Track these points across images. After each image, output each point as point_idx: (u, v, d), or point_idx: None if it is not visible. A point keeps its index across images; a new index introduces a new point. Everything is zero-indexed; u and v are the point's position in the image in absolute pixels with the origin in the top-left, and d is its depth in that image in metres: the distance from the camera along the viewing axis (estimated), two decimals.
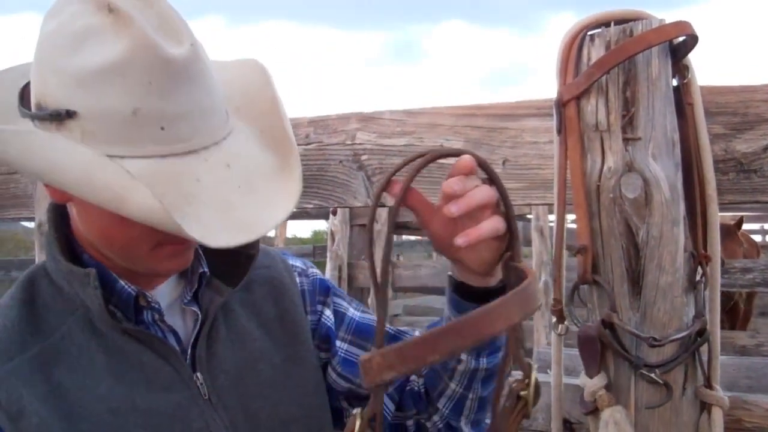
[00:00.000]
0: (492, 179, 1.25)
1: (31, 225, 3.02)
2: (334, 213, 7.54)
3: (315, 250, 12.35)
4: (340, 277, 7.51)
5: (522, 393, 1.17)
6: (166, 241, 1.22)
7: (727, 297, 7.80)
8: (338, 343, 1.52)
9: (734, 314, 8.58)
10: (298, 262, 1.58)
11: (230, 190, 1.15)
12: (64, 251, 1.30)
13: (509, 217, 1.26)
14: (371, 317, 1.56)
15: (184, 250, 1.28)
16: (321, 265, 10.10)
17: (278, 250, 1.60)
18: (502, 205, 1.24)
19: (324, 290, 1.56)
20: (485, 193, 1.22)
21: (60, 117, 1.12)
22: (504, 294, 1.07)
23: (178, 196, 1.10)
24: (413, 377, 1.55)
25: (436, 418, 1.52)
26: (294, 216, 13.34)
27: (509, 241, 1.25)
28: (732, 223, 8.34)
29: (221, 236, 1.12)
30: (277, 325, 1.45)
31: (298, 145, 2.06)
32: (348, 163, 2.02)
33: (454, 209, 1.20)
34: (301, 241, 18.18)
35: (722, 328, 8.20)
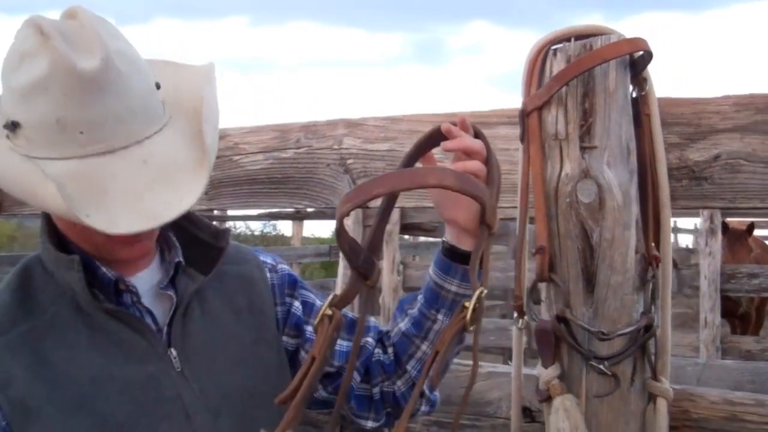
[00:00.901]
0: (479, 136, 1.54)
1: None
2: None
3: (331, 249, 12.48)
4: None
5: (466, 303, 1.32)
6: None
7: (734, 303, 7.86)
8: (309, 328, 1.65)
9: (746, 320, 8.63)
10: (268, 259, 1.71)
11: (144, 184, 1.30)
12: (53, 242, 1.45)
13: (491, 166, 1.52)
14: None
15: (136, 241, 1.41)
16: (336, 265, 10.22)
17: (251, 247, 1.76)
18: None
19: (292, 284, 1.70)
20: (475, 141, 1.51)
21: (11, 127, 1.32)
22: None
23: (90, 190, 1.26)
24: (377, 350, 1.66)
25: (400, 382, 1.64)
26: (310, 216, 13.48)
27: (489, 190, 1.45)
28: (743, 228, 8.39)
29: (122, 224, 1.26)
30: (246, 312, 1.59)
31: (290, 149, 2.20)
32: (335, 167, 2.14)
33: (450, 145, 1.49)
34: (319, 240, 18.32)
35: (733, 332, 8.26)
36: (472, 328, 1.35)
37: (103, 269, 1.44)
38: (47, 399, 1.35)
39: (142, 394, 1.40)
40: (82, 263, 1.41)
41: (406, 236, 12.69)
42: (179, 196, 1.32)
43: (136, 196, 1.29)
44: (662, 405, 1.58)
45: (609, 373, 1.57)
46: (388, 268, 8.03)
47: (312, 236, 20.35)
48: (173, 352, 1.46)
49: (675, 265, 1.85)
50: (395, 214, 8.76)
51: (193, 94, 1.45)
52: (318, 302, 1.69)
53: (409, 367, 1.64)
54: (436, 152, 1.60)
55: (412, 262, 9.44)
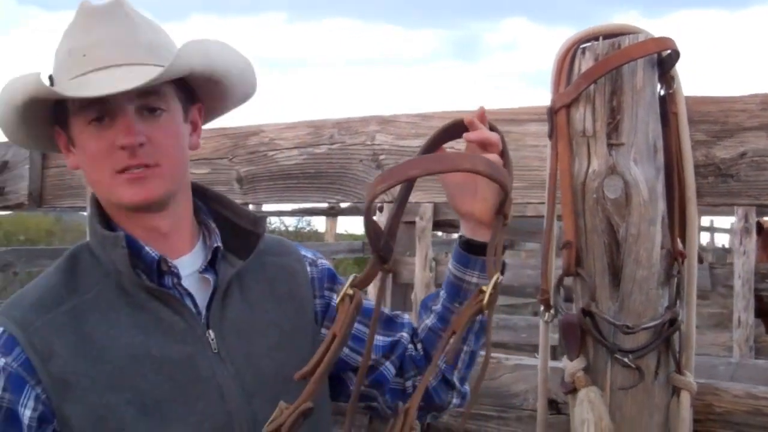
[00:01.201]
0: (494, 130, 1.60)
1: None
2: (381, 210, 7.69)
3: (364, 245, 12.53)
4: None
5: (483, 288, 1.38)
6: (118, 166, 1.47)
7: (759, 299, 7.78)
8: None
9: None
10: (309, 254, 1.76)
11: (106, 78, 1.46)
12: (102, 224, 1.54)
13: (506, 159, 1.58)
14: (370, 301, 1.73)
15: (140, 179, 1.48)
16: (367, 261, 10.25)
17: (292, 242, 1.81)
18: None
19: (331, 278, 1.75)
20: (493, 134, 1.58)
21: (50, 81, 1.51)
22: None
23: (73, 83, 1.46)
24: (410, 345, 1.71)
25: (430, 378, 1.67)
26: (344, 212, 13.58)
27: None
28: None
29: (75, 91, 1.44)
30: (285, 301, 1.64)
31: (324, 145, 2.25)
32: (367, 162, 2.19)
33: (472, 136, 1.57)
34: (352, 237, 18.37)
35: None
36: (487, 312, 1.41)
37: (147, 249, 1.51)
38: (86, 374, 1.41)
39: (179, 373, 1.46)
40: (127, 243, 1.48)
41: (439, 233, 12.73)
42: (141, 70, 1.47)
43: (94, 81, 1.46)
44: (686, 398, 1.61)
45: (633, 366, 1.60)
46: (421, 264, 8.07)
47: (345, 232, 20.41)
48: (211, 334, 1.52)
49: (701, 260, 1.87)
50: (428, 211, 8.81)
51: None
52: (366, 302, 1.73)
53: (438, 361, 1.67)
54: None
55: (444, 259, 9.45)
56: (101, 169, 1.48)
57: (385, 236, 1.55)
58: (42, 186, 3.06)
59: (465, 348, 1.68)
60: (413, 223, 9.01)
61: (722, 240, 21.62)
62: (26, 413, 1.40)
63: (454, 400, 1.72)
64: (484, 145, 1.56)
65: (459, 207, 1.63)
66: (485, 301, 1.39)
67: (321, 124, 2.29)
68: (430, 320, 1.70)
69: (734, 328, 7.56)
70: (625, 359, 1.60)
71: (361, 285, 1.53)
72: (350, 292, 1.50)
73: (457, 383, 1.69)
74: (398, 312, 1.78)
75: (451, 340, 1.39)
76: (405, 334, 1.73)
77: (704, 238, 21.88)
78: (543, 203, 1.82)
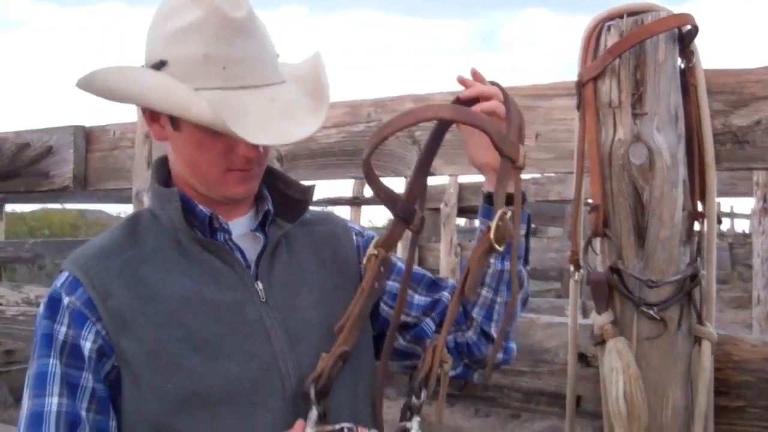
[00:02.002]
0: (495, 84, 1.69)
1: (113, 212, 3.37)
2: None
3: None
4: None
5: (490, 224, 1.53)
6: (232, 167, 1.57)
7: None
8: (389, 283, 1.81)
9: None
10: (356, 226, 1.90)
11: (271, 116, 1.52)
12: (159, 182, 1.68)
13: (508, 105, 1.66)
14: (418, 268, 1.86)
15: (249, 177, 1.61)
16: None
17: (341, 217, 1.94)
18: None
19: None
20: (490, 87, 1.68)
21: (158, 65, 1.54)
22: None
23: (230, 111, 1.48)
24: (448, 299, 1.81)
25: (470, 332, 1.77)
26: (368, 202, 13.69)
27: (508, 129, 1.62)
28: None
29: (259, 138, 1.48)
30: (330, 263, 1.75)
31: (361, 123, 2.38)
32: (404, 138, 2.33)
33: (466, 93, 1.68)
34: (377, 228, 18.57)
35: None
36: (500, 249, 1.54)
37: (200, 207, 1.63)
38: (141, 312, 1.53)
39: (227, 315, 1.57)
40: (182, 202, 1.61)
41: (464, 220, 12.84)
42: (301, 126, 1.54)
43: (267, 121, 1.51)
44: (707, 347, 1.74)
45: (658, 318, 1.73)
46: (446, 250, 8.21)
47: (369, 222, 20.59)
48: (259, 284, 1.63)
49: (719, 221, 1.97)
50: (452, 198, 8.94)
51: (306, 67, 1.67)
52: (399, 263, 1.84)
53: (474, 314, 1.77)
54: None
55: (469, 245, 9.60)
56: (213, 164, 1.58)
57: (402, 199, 1.67)
58: (86, 169, 3.22)
59: (498, 299, 1.76)
60: (438, 209, 9.16)
61: (743, 226, 21.65)
62: (87, 345, 1.51)
63: (499, 355, 1.77)
64: (485, 99, 1.67)
65: (474, 161, 1.76)
66: (492, 236, 1.52)
67: (358, 104, 2.42)
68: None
69: (753, 306, 7.67)
70: (650, 312, 1.73)
71: (384, 245, 1.67)
72: (374, 252, 1.66)
73: (494, 335, 1.76)
74: (444, 277, 1.90)
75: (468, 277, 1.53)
76: (446, 294, 1.83)
77: (724, 224, 21.91)
78: (571, 172, 1.95)
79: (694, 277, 1.75)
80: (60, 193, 3.40)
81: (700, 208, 1.80)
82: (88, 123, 3.27)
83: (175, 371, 1.52)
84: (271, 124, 1.51)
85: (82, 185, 3.19)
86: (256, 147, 1.57)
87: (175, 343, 1.53)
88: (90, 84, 1.58)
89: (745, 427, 1.85)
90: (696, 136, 1.80)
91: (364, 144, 2.39)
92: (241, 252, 1.66)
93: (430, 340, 1.66)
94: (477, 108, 1.66)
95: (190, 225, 1.62)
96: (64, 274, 1.59)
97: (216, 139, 1.54)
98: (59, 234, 19.61)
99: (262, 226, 1.70)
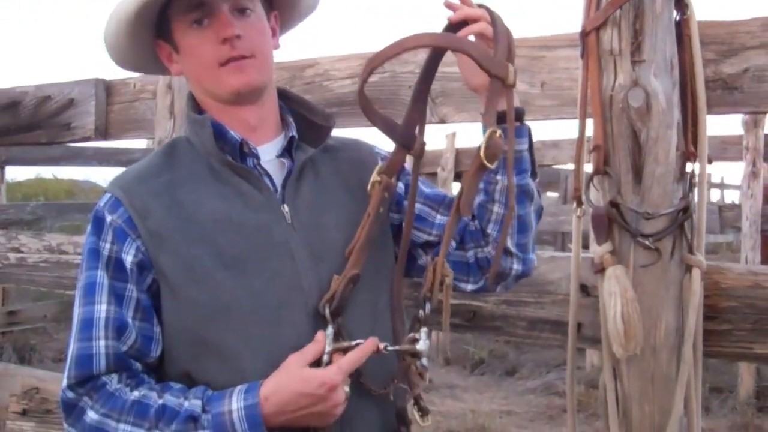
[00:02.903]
0: (483, 6, 1.76)
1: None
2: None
3: None
4: None
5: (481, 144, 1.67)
6: (223, 58, 1.72)
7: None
8: (417, 206, 1.91)
9: None
10: (383, 151, 2.01)
11: None
12: (194, 111, 1.83)
13: (495, 26, 1.73)
14: (438, 189, 2.00)
15: (243, 67, 1.74)
16: None
17: (368, 143, 2.05)
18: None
19: (399, 170, 1.93)
20: (477, 9, 1.75)
21: None
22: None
23: None
24: (471, 222, 1.90)
25: (488, 248, 1.88)
26: None
27: (495, 50, 1.71)
28: None
29: None
30: (355, 188, 1.87)
31: (375, 74, 2.51)
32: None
33: (454, 17, 1.75)
34: None
35: None
36: (492, 166, 1.69)
37: (232, 133, 1.77)
38: (176, 230, 1.69)
39: (255, 236, 1.72)
40: (215, 128, 1.76)
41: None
42: None
43: None
44: (696, 274, 1.91)
45: (653, 247, 1.89)
46: None
47: None
48: (285, 207, 1.76)
49: (710, 161, 2.10)
50: (449, 162, 9.09)
51: None
52: (420, 187, 1.93)
53: (489, 230, 1.86)
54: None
55: None
56: (205, 64, 1.73)
57: (401, 126, 1.81)
58: (107, 120, 3.36)
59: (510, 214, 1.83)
60: (435, 174, 9.30)
61: (732, 197, 21.85)
62: (128, 259, 1.68)
63: (515, 266, 1.88)
64: (472, 22, 1.74)
65: (469, 84, 1.85)
66: (482, 154, 1.66)
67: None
68: (478, 198, 1.86)
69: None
70: (646, 242, 1.89)
71: (387, 171, 1.80)
72: (377, 178, 1.80)
73: (514, 249, 1.86)
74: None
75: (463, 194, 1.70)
76: None
77: (714, 195, 22.13)
78: (575, 118, 2.10)
79: (686, 211, 1.91)
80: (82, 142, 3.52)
81: (692, 149, 1.96)
82: (108, 76, 3.41)
83: (207, 285, 1.67)
84: None
85: (104, 135, 3.33)
86: (228, 26, 1.71)
87: (208, 260, 1.68)
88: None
89: (731, 348, 2.02)
90: (689, 82, 1.96)
91: (378, 94, 2.54)
92: (269, 176, 1.79)
93: (433, 259, 1.79)
94: (464, 31, 1.74)
95: (221, 150, 1.75)
96: (107, 195, 1.74)
97: (201, 37, 1.72)
98: (55, 200, 19.67)
99: (288, 152, 1.83)
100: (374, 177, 1.80)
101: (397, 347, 1.73)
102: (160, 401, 1.64)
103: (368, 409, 1.77)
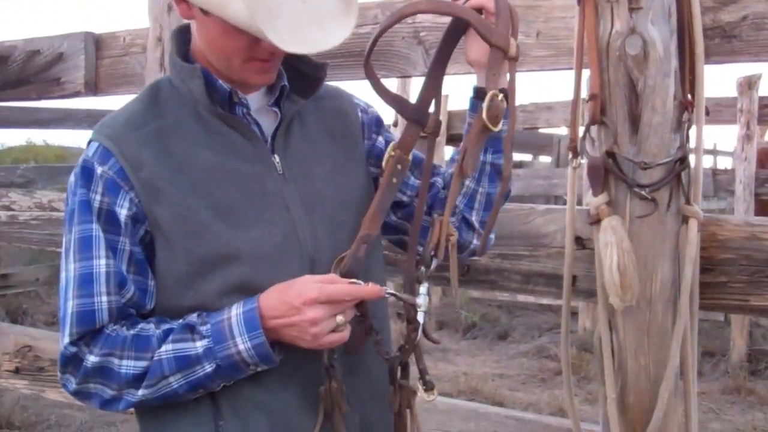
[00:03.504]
0: None
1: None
2: (395, 125, 7.91)
3: None
4: None
5: (482, 105, 1.69)
6: (255, 57, 1.67)
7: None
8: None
9: None
10: (361, 102, 2.00)
11: (302, 21, 1.59)
12: (180, 57, 1.76)
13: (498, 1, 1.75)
14: (417, 152, 1.95)
15: (269, 68, 1.71)
16: None
17: (347, 91, 2.03)
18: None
19: (378, 124, 1.99)
20: None
21: None
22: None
23: (263, 11, 1.54)
24: (443, 190, 1.95)
25: (453, 219, 1.89)
26: None
27: (496, 21, 1.73)
28: None
29: (290, 46, 1.56)
30: (340, 137, 1.88)
31: (368, 25, 2.49)
32: (409, 39, 2.45)
33: None
34: None
35: None
36: (496, 129, 1.70)
37: (220, 82, 1.72)
38: (170, 181, 1.66)
39: (248, 186, 1.70)
40: (203, 75, 1.70)
41: (453, 148, 12.92)
42: (331, 35, 1.63)
43: (298, 26, 1.58)
44: (693, 225, 1.89)
45: (649, 198, 1.87)
46: None
47: None
48: (276, 158, 1.75)
49: (707, 113, 2.07)
50: (441, 125, 9.03)
51: None
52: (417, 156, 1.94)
53: (456, 202, 1.89)
54: None
55: None
56: (237, 53, 1.66)
57: (415, 104, 1.81)
58: (97, 75, 3.31)
59: (480, 189, 1.90)
60: (425, 137, 9.22)
61: (725, 163, 21.87)
62: (122, 212, 1.65)
63: (474, 241, 1.94)
64: None
65: (468, 58, 1.86)
66: (484, 115, 1.67)
67: (366, 6, 2.53)
68: (452, 168, 1.87)
69: None
70: (642, 192, 1.87)
71: (400, 147, 1.81)
72: (392, 152, 1.81)
73: (477, 224, 1.92)
74: (439, 164, 2.01)
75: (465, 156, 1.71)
76: (440, 179, 1.96)
77: (707, 161, 22.13)
78: (571, 68, 2.07)
79: (683, 161, 1.89)
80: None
81: (689, 98, 1.93)
82: (97, 30, 3.35)
83: (204, 236, 1.65)
84: (302, 31, 1.58)
85: (94, 91, 3.29)
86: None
87: (203, 211, 1.66)
88: None
89: (727, 300, 2.01)
90: (687, 30, 1.92)
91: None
92: (259, 126, 1.76)
93: (438, 214, 1.80)
94: (467, 4, 1.76)
95: (210, 99, 1.71)
96: (94, 145, 1.70)
97: (243, 30, 1.60)
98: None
99: (277, 102, 1.80)
100: (389, 152, 1.82)
101: (396, 293, 1.72)
102: (159, 330, 1.65)
103: (378, 399, 1.80)
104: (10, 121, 9.95)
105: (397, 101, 1.81)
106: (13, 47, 3.53)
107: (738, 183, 8.00)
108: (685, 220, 1.91)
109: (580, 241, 2.14)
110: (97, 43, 3.30)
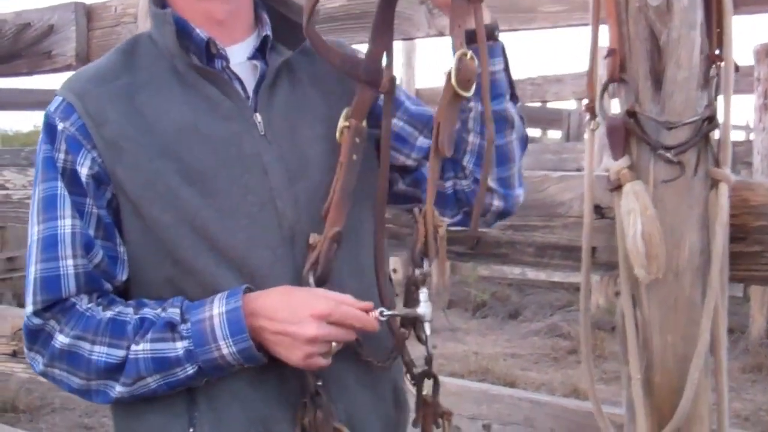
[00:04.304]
0: None
1: None
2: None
3: None
4: None
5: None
6: None
7: None
8: (393, 121, 1.72)
9: None
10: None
11: None
12: (157, 5, 1.61)
13: None
14: (425, 109, 1.80)
15: None
16: None
17: (350, 46, 1.85)
18: None
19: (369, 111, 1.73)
20: None
21: None
22: None
23: None
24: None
25: (466, 181, 1.72)
26: None
27: None
28: None
29: None
30: (335, 96, 1.67)
31: None
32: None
33: None
34: None
35: None
36: (468, 94, 1.54)
37: (198, 31, 1.58)
38: (136, 142, 1.52)
39: (223, 149, 1.55)
40: (178, 25, 1.56)
41: None
42: None
43: None
44: (723, 189, 1.74)
45: (675, 161, 1.72)
46: None
47: None
48: (258, 117, 1.59)
49: (737, 68, 1.95)
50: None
51: None
52: (403, 97, 1.76)
53: (465, 162, 1.70)
54: None
55: None
56: None
57: (364, 60, 1.62)
58: (88, 47, 3.20)
59: (484, 143, 1.66)
60: None
61: (738, 136, 21.65)
62: (83, 171, 1.52)
63: (495, 203, 1.72)
64: None
65: (435, 3, 1.72)
66: (453, 81, 1.51)
67: None
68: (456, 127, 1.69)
69: None
70: (667, 155, 1.72)
71: (355, 115, 1.61)
72: (346, 123, 1.60)
73: (494, 184, 1.70)
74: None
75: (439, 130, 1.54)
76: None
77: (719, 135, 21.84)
78: (584, 24, 1.93)
79: (711, 120, 1.74)
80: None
81: (717, 51, 1.78)
82: (88, 0, 3.23)
83: (172, 203, 1.51)
84: None
85: (85, 63, 3.15)
86: None
87: (171, 175, 1.52)
88: None
89: (762, 272, 1.86)
90: None
91: (370, 7, 2.35)
92: (240, 82, 1.61)
93: (419, 208, 1.62)
94: None
95: (185, 50, 1.57)
96: (58, 99, 1.57)
97: None
98: None
99: (261, 53, 1.65)
100: (341, 123, 1.61)
101: (395, 312, 1.57)
102: (137, 316, 1.51)
103: (365, 387, 1.65)
104: (11, 104, 9.88)
105: (347, 61, 1.62)
106: (3, 21, 3.41)
107: (756, 154, 7.79)
108: (714, 184, 1.76)
109: (598, 210, 1.99)
110: (88, 14, 3.19)
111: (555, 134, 13.58)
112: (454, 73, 1.51)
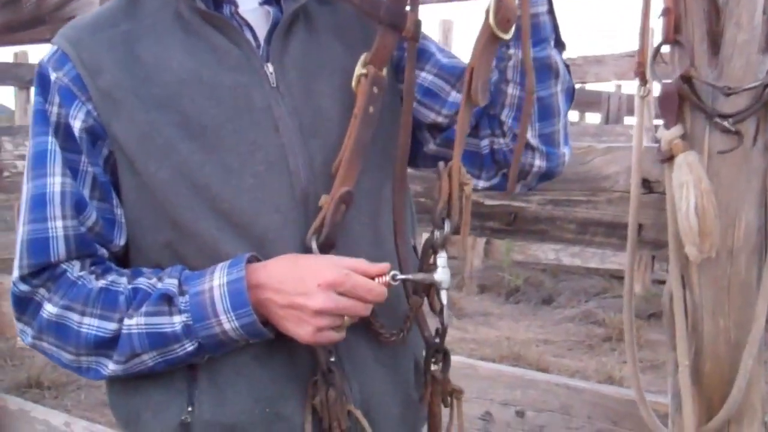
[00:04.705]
0: None
1: None
2: None
3: None
4: None
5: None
6: None
7: None
8: (422, 74, 1.61)
9: None
10: None
11: None
12: None
13: None
14: (458, 61, 1.64)
15: None
16: None
17: None
18: None
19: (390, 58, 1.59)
20: None
21: None
22: None
23: None
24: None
25: (505, 138, 1.57)
26: None
27: None
28: None
29: None
30: (358, 48, 1.51)
31: None
32: None
33: None
34: None
35: None
36: (507, 36, 1.40)
37: None
38: (133, 92, 1.40)
39: (229, 100, 1.42)
40: None
41: None
42: None
43: None
44: None
45: (732, 130, 1.59)
46: None
47: None
48: (270, 67, 1.46)
49: None
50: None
51: None
52: (433, 48, 1.63)
53: (503, 117, 1.57)
54: None
55: None
56: None
57: (387, 2, 1.46)
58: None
59: (524, 96, 1.52)
60: None
61: None
62: (76, 125, 1.41)
63: (537, 162, 1.58)
64: None
65: None
66: (492, 21, 1.37)
67: None
68: (494, 77, 1.57)
69: None
70: (724, 123, 1.59)
71: (373, 61, 1.46)
72: (363, 71, 1.45)
73: (535, 141, 1.56)
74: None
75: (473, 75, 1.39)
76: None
77: None
78: None
79: None
80: None
81: None
82: None
83: (169, 158, 1.39)
84: None
85: None
86: None
87: (170, 129, 1.40)
88: None
89: None
90: None
91: None
92: (250, 29, 1.48)
93: (444, 163, 1.47)
94: None
95: None
96: (53, 48, 1.46)
97: None
98: None
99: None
100: (358, 70, 1.45)
101: (408, 276, 1.43)
102: (131, 286, 1.40)
103: (383, 365, 1.52)
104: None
105: (366, 0, 1.46)
106: None
107: None
108: None
109: (646, 184, 1.86)
110: None
111: (593, 118, 13.38)
112: (493, 10, 1.37)
